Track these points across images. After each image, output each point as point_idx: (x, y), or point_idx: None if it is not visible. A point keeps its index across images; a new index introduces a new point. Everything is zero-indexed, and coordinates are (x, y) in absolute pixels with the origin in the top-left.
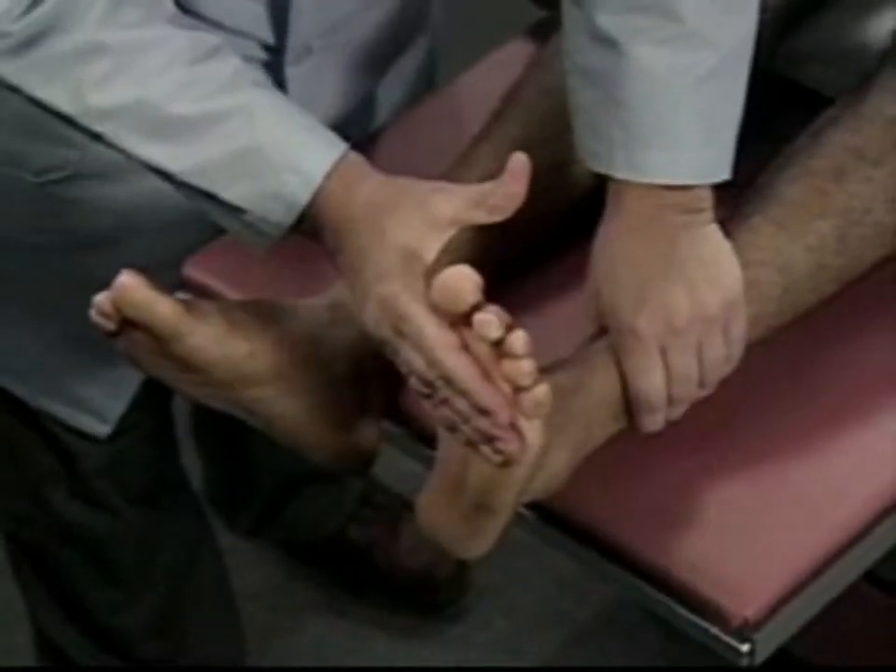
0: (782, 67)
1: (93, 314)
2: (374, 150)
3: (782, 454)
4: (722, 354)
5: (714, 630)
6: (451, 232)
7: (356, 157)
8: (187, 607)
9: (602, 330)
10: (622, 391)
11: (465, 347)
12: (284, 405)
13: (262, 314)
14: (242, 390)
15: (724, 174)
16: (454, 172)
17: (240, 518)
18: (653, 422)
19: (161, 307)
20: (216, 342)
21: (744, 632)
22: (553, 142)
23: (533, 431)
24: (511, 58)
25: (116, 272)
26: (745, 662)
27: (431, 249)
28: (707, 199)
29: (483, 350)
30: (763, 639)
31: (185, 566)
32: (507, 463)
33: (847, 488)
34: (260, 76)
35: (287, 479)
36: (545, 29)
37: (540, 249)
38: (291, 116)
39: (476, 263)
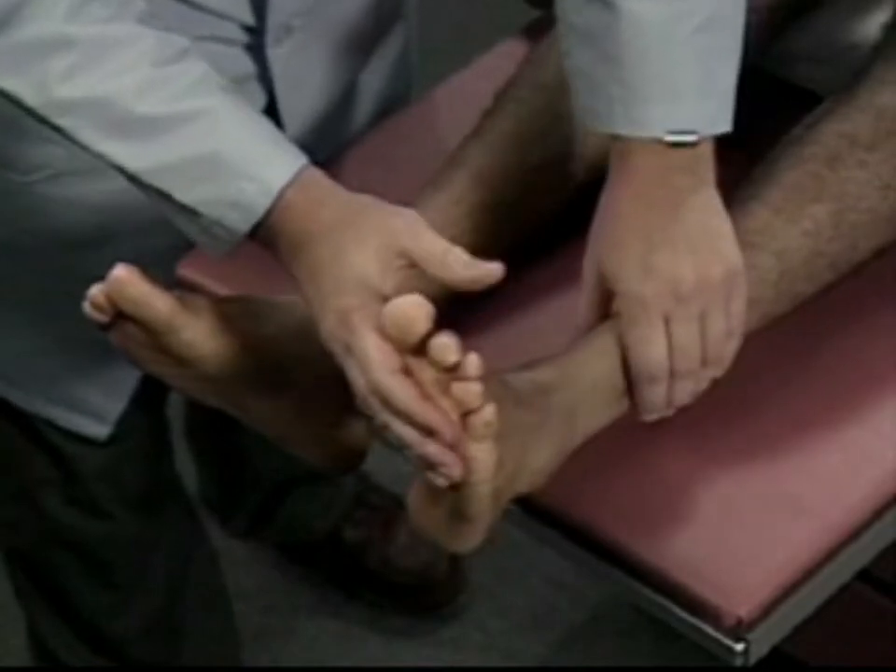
0: (775, 66)
1: (87, 306)
2: (363, 154)
3: (776, 452)
4: (724, 327)
5: (708, 629)
6: (403, 262)
7: (316, 171)
8: (182, 609)
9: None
10: (611, 379)
11: (406, 371)
12: (274, 401)
13: (255, 310)
14: (233, 385)
15: (725, 125)
16: (446, 169)
17: (234, 519)
18: (655, 395)
19: (155, 301)
20: (208, 336)
21: (738, 631)
22: (546, 137)
23: (484, 451)
24: (502, 59)
25: (108, 270)
26: (739, 661)
27: (386, 274)
28: (709, 159)
29: (430, 377)
30: (756, 639)
31: (180, 568)
32: (455, 487)
33: (841, 487)
34: (228, 82)
35: (281, 479)
36: (537, 30)
37: (533, 245)
38: (255, 125)
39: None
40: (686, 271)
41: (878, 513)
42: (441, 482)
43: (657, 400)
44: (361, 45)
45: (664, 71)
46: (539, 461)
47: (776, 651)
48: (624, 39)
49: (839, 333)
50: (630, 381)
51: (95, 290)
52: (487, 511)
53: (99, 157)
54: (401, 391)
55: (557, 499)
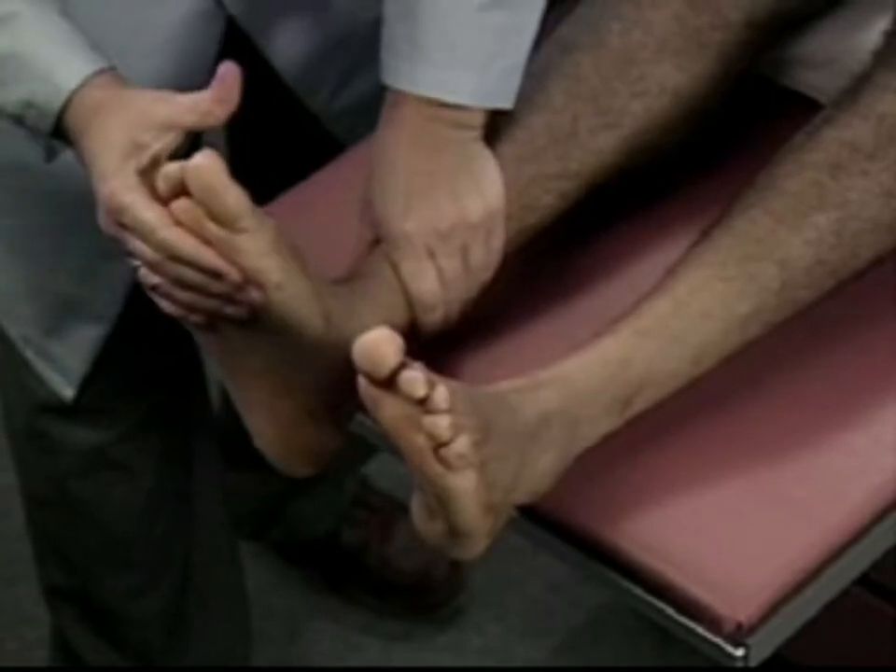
0: (774, 72)
1: (160, 179)
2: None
3: (777, 455)
4: (483, 261)
5: (708, 634)
6: (170, 136)
7: (113, 75)
8: (196, 596)
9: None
10: (612, 387)
11: (179, 223)
12: (259, 387)
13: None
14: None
15: (505, 102)
16: None
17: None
18: (433, 321)
19: (228, 193)
20: (266, 251)
21: (738, 636)
22: (541, 156)
23: (463, 480)
24: None
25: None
26: (739, 665)
27: (146, 147)
28: (479, 119)
29: (401, 411)
30: (757, 644)
31: (204, 555)
32: (254, 318)
33: (842, 490)
34: None
35: (280, 481)
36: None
37: (533, 259)
38: (55, 30)
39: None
40: (446, 210)
41: (880, 516)
42: (242, 313)
43: (435, 325)
44: None
45: (451, 40)
46: (538, 470)
47: (774, 655)
48: (422, 2)
49: (839, 338)
50: (623, 400)
51: (173, 166)
52: (481, 526)
53: None
54: (183, 240)
55: (556, 504)
